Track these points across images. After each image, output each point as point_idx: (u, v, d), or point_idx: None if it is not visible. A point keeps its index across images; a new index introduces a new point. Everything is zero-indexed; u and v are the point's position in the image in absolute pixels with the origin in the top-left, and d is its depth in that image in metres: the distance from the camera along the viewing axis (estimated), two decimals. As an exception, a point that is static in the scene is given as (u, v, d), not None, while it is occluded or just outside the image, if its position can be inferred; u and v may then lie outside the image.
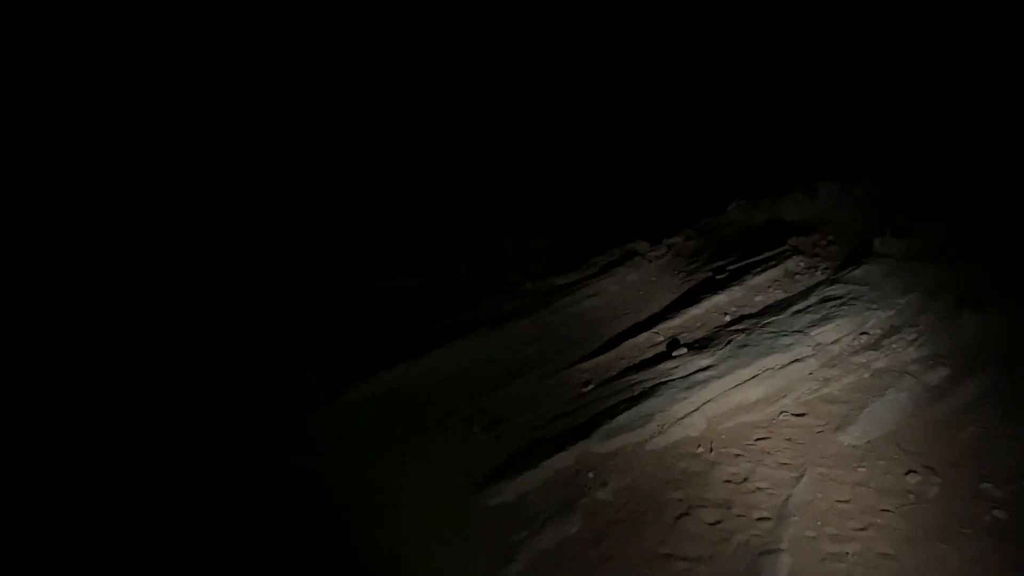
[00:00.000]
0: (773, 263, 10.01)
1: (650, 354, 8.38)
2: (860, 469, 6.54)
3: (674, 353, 8.16)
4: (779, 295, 9.32)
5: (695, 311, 9.12)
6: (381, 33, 12.34)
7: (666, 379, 7.69)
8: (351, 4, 12.19)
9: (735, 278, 9.89)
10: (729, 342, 8.22)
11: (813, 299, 8.89)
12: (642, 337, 8.69)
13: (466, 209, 12.04)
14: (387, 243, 10.81)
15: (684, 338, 8.56)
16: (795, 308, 8.76)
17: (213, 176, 11.23)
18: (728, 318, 8.94)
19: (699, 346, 8.27)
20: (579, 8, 12.61)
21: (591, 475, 6.63)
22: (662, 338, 8.65)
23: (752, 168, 12.84)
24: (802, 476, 6.50)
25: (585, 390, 7.89)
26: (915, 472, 6.44)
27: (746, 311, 9.03)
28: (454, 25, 12.18)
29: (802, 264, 9.94)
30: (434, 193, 12.19)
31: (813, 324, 8.32)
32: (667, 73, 12.74)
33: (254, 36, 11.69)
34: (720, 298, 9.34)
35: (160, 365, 8.29)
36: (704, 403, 7.32)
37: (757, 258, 10.37)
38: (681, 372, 7.78)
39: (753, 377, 7.60)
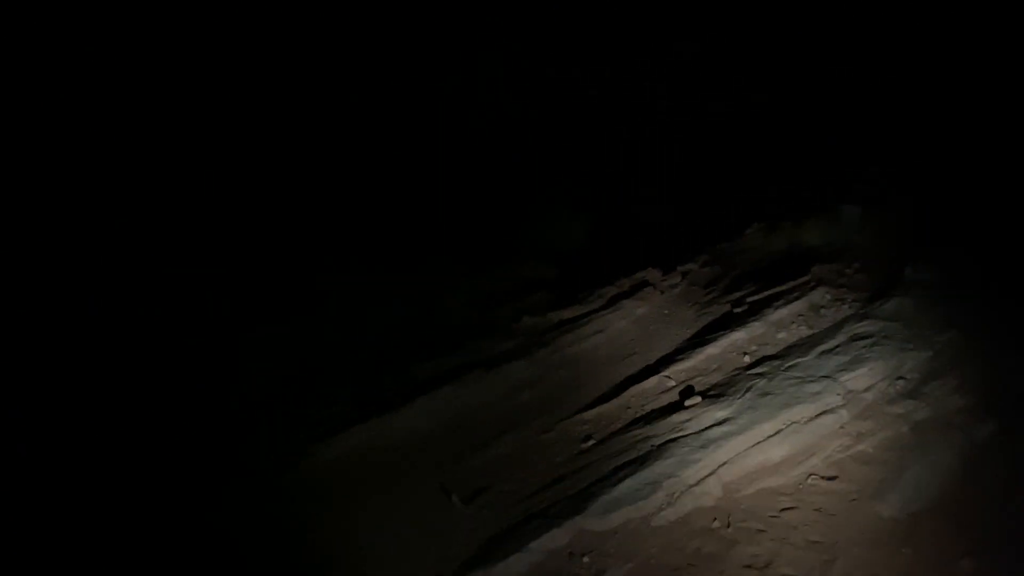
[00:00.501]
0: (796, 295, 8.91)
1: (661, 402, 7.32)
2: (904, 551, 5.43)
3: (687, 403, 7.09)
4: (803, 332, 8.23)
5: (711, 350, 8.05)
6: (382, 33, 11.43)
7: (677, 435, 6.62)
8: (351, 4, 11.28)
9: (755, 312, 8.80)
10: (749, 389, 7.13)
11: (841, 337, 7.80)
12: (651, 382, 7.63)
13: (461, 225, 11.04)
14: (369, 271, 9.77)
15: (699, 383, 7.49)
16: (822, 348, 7.66)
17: (199, 177, 10.36)
18: (748, 359, 7.86)
19: (715, 394, 7.19)
20: (579, 8, 11.67)
21: (586, 559, 5.54)
22: (674, 383, 7.59)
23: (767, 182, 11.86)
24: (835, 560, 5.40)
25: (585, 446, 6.84)
26: (971, 555, 5.32)
27: (768, 351, 7.94)
28: (454, 25, 11.25)
29: (828, 296, 8.83)
30: (429, 207, 11.17)
31: (843, 368, 7.22)
32: (667, 73, 11.87)
33: (252, 36, 10.80)
34: (739, 335, 8.26)
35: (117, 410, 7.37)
36: (720, 465, 6.24)
37: (779, 289, 9.28)
38: (694, 426, 6.71)
39: (776, 432, 6.51)
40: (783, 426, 6.56)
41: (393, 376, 7.77)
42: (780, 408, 6.73)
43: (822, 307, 8.62)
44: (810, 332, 8.19)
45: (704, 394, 7.20)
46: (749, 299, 9.27)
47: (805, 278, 9.28)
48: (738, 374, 7.55)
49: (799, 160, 11.56)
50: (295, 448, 6.78)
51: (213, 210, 10.01)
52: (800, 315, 8.58)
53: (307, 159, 10.74)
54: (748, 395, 7.02)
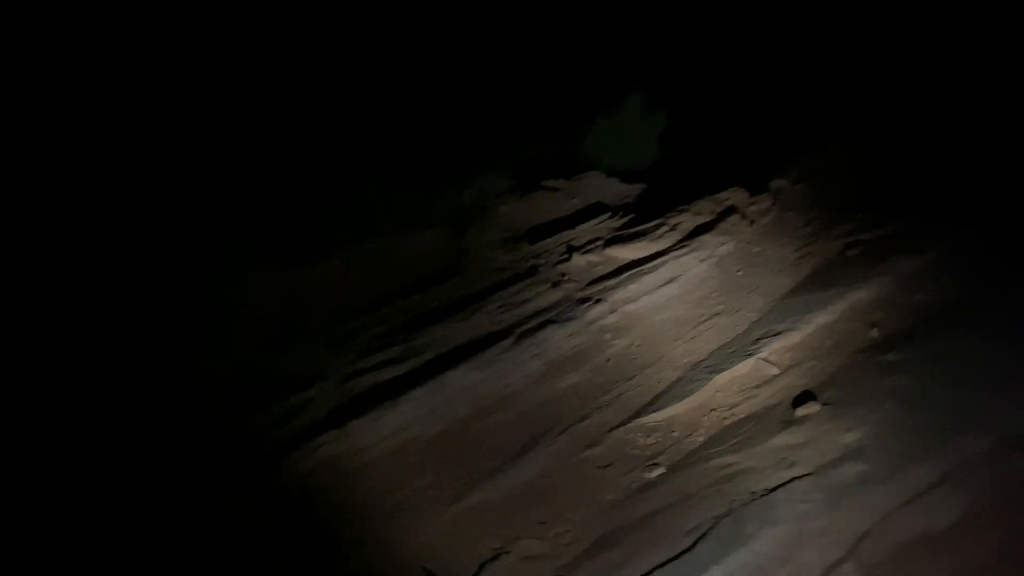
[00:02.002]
0: (937, 234, 6.22)
1: (759, 403, 4.79)
2: None
3: (799, 412, 4.56)
4: (950, 293, 5.57)
5: (823, 318, 5.44)
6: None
7: (789, 475, 4.11)
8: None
9: (876, 257, 6.14)
10: (888, 394, 4.57)
11: (1015, 307, 5.17)
12: (744, 366, 5.08)
13: (501, 131, 8.36)
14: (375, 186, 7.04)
15: (812, 375, 4.92)
16: (987, 325, 5.05)
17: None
18: (876, 333, 5.26)
19: (838, 399, 4.62)
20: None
21: None
22: (776, 370, 5.02)
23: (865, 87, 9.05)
24: None
25: (649, 476, 4.37)
26: None
27: (904, 323, 5.34)
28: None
29: (981, 239, 6.11)
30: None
31: (1028, 362, 4.62)
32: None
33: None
34: (859, 295, 5.64)
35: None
36: (859, 539, 3.73)
37: (905, 222, 6.58)
38: (814, 458, 4.20)
39: (941, 481, 3.97)
40: (951, 467, 3.99)
41: (383, 350, 5.30)
42: (942, 434, 4.17)
43: (975, 256, 5.93)
44: (958, 294, 5.53)
45: (822, 398, 4.63)
46: (864, 236, 6.59)
47: (939, 207, 6.57)
48: (866, 360, 4.98)
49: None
50: (227, 473, 4.41)
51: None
52: (943, 264, 5.90)
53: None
54: (889, 405, 4.47)
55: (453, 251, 6.76)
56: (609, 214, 7.26)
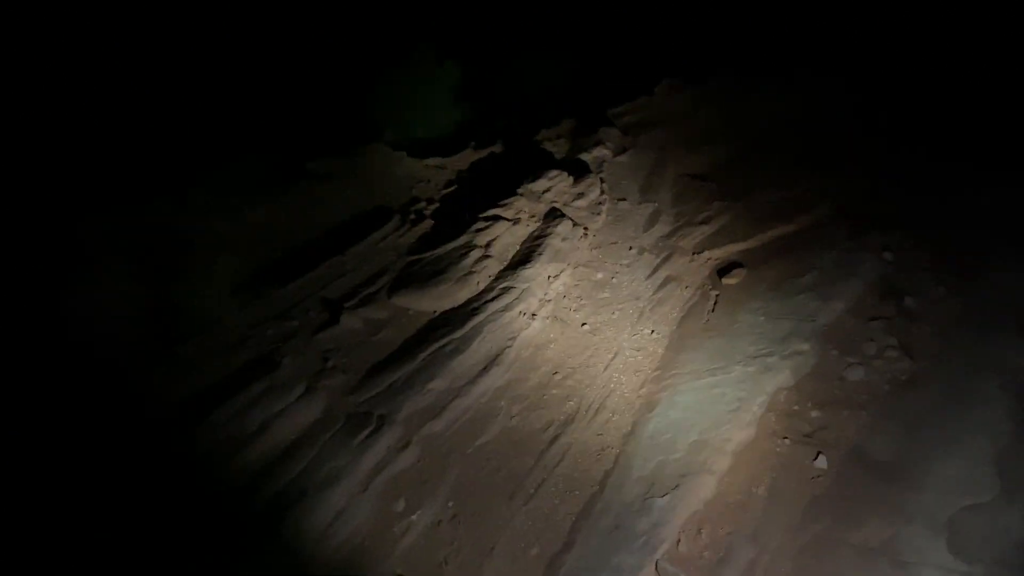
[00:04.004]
0: (848, 244, 4.01)
1: None
2: None
3: None
4: (900, 365, 3.35)
5: (737, 434, 3.07)
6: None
7: None
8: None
9: (775, 293, 3.90)
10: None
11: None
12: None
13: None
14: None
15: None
16: (967, 431, 2.94)
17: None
18: (825, 463, 3.01)
19: None
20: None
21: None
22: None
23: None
24: None
25: None
26: None
27: (853, 432, 3.10)
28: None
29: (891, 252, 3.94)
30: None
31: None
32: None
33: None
34: (776, 380, 3.38)
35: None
36: None
37: (794, 219, 4.30)
38: None
39: None
40: None
41: None
42: None
43: (911, 273, 3.81)
44: (911, 363, 3.31)
45: None
46: (738, 245, 4.23)
47: (839, 197, 4.42)
48: (834, 542, 2.61)
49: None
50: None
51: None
52: (875, 305, 3.70)
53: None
54: None
55: (153, 306, 3.67)
56: (398, 220, 4.41)
